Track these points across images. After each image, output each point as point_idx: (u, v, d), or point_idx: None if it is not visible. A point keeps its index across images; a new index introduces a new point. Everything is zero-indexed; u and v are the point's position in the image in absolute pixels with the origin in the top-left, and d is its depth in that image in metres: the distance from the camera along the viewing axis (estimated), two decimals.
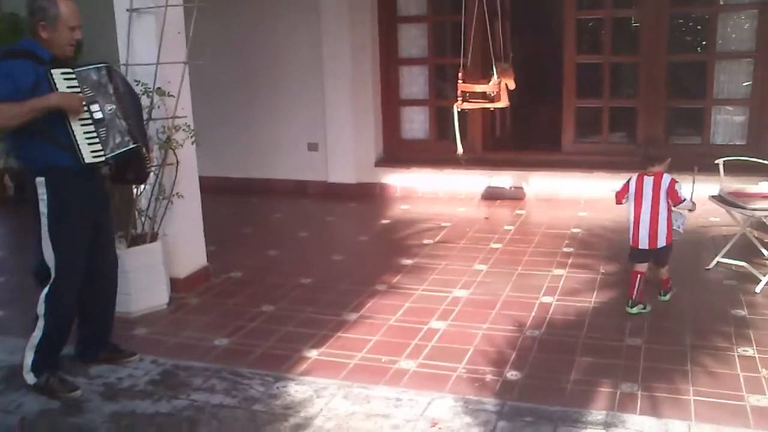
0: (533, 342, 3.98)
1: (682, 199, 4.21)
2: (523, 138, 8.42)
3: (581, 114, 7.32)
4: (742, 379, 3.49)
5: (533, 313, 4.35)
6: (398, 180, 7.51)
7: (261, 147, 7.85)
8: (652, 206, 4.23)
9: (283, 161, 7.82)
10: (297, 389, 3.57)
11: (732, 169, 5.23)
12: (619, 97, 7.88)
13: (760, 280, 4.59)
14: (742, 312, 4.27)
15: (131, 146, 3.72)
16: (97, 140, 3.52)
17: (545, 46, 8.80)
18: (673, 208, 4.26)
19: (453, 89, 5.90)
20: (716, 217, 5.93)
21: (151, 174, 4.57)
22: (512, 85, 5.61)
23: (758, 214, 4.66)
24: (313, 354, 3.94)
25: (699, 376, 3.53)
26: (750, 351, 3.77)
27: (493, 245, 5.70)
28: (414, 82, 7.71)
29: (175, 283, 4.80)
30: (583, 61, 7.25)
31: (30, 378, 3.63)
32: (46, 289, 3.58)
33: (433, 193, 7.33)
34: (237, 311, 4.60)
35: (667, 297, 4.50)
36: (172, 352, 4.01)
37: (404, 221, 6.55)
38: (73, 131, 3.44)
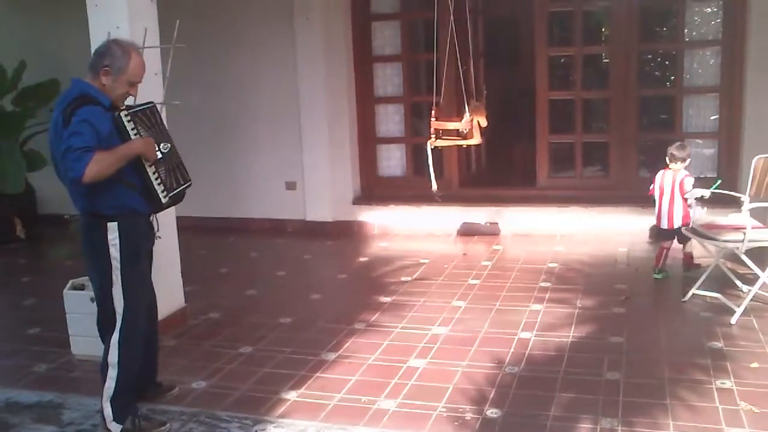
0: (513, 379, 3.99)
1: (686, 191, 5.34)
2: (498, 174, 8.49)
3: (555, 149, 7.41)
4: (721, 412, 3.51)
5: (512, 350, 4.36)
6: (376, 217, 7.53)
7: (238, 186, 7.85)
8: (671, 195, 5.43)
9: (260, 200, 7.82)
10: None
11: (704, 202, 5.31)
12: (591, 131, 7.99)
13: (735, 312, 4.64)
14: (719, 344, 4.31)
15: (187, 184, 3.77)
16: (160, 180, 3.53)
17: (518, 83, 8.93)
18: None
19: (428, 127, 5.97)
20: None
21: None
22: (484, 123, 5.67)
23: (730, 245, 4.73)
24: (291, 395, 3.91)
25: (678, 410, 3.55)
26: (728, 383, 3.80)
27: (471, 281, 5.71)
28: (390, 120, 7.78)
29: None
30: (556, 97, 7.36)
31: (115, 427, 3.54)
32: (116, 336, 3.52)
33: (411, 230, 7.35)
34: (215, 353, 4.56)
35: (690, 272, 5.51)
36: (148, 396, 3.94)
37: (382, 258, 6.56)
38: (147, 174, 3.45)
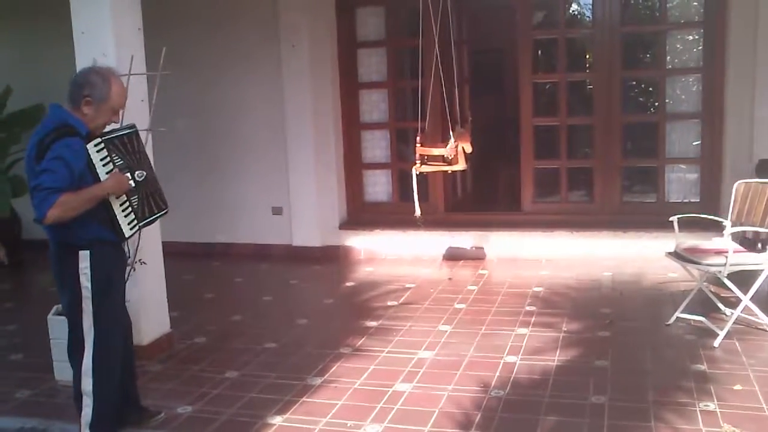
0: (498, 402, 3.99)
1: None
2: (483, 199, 8.55)
3: (539, 174, 7.48)
4: None
5: (498, 373, 4.37)
6: (362, 242, 7.55)
7: (224, 211, 7.86)
8: None
9: (246, 225, 7.83)
10: None
11: (687, 226, 5.36)
12: (576, 157, 8.07)
13: (718, 335, 4.68)
14: (702, 367, 4.33)
15: (162, 212, 3.74)
16: (130, 210, 3.49)
17: (504, 110, 9.03)
18: None
19: (414, 152, 6.02)
20: (674, 272, 6.06)
21: None
22: (469, 148, 5.72)
23: (713, 269, 4.78)
24: (277, 420, 3.89)
25: None
26: (711, 406, 3.82)
27: (457, 306, 5.73)
28: (376, 145, 7.83)
29: (137, 350, 4.67)
30: (540, 123, 7.44)
31: None
32: (88, 364, 3.48)
33: (397, 254, 7.38)
34: (200, 378, 4.54)
35: None
36: (133, 421, 3.90)
37: (368, 283, 6.57)
38: (111, 207, 3.40)
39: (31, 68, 7.97)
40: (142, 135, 4.54)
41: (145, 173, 3.59)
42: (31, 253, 7.59)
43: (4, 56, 8.29)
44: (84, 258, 3.40)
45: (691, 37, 7.07)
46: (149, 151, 4.66)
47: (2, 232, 7.67)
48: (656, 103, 7.80)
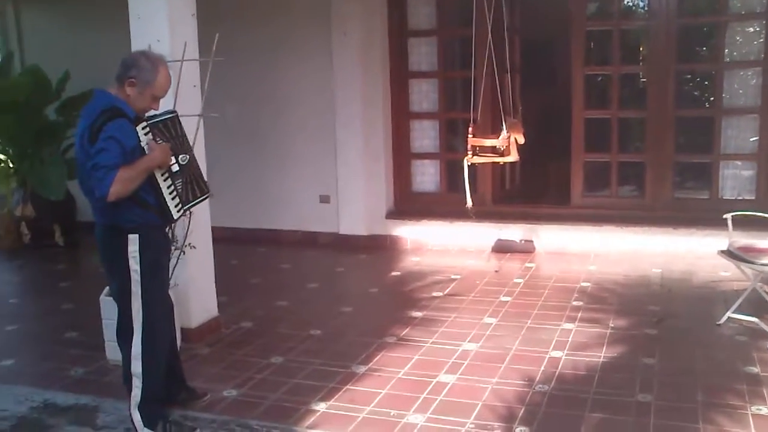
0: (542, 397, 3.96)
1: None
2: (532, 191, 8.46)
3: (590, 168, 7.37)
4: None
5: (543, 368, 4.33)
6: (409, 232, 7.55)
7: (272, 198, 7.93)
8: None
9: (293, 212, 7.88)
10: None
11: (741, 224, 5.24)
12: (627, 151, 7.93)
13: None
14: (755, 369, 4.23)
15: (205, 196, 3.80)
16: (175, 193, 3.54)
17: (555, 101, 8.91)
18: None
19: (463, 143, 5.98)
20: (727, 271, 5.93)
21: None
22: (521, 140, 5.67)
23: None
24: (321, 407, 3.93)
25: None
26: (764, 410, 3.73)
27: (503, 298, 5.69)
28: (425, 135, 7.81)
29: (185, 333, 4.81)
30: (592, 116, 7.32)
31: None
32: (137, 347, 3.55)
33: (444, 245, 7.36)
34: (246, 362, 4.60)
35: None
36: (180, 401, 3.98)
37: (414, 273, 6.57)
38: (160, 189, 3.46)
39: (88, 53, 8.11)
40: (194, 120, 4.63)
41: (188, 157, 3.66)
42: (86, 235, 7.72)
43: (63, 41, 8.47)
44: (133, 242, 3.47)
45: (751, 29, 6.87)
46: (200, 136, 4.74)
47: (58, 214, 7.87)
48: (711, 98, 7.61)
